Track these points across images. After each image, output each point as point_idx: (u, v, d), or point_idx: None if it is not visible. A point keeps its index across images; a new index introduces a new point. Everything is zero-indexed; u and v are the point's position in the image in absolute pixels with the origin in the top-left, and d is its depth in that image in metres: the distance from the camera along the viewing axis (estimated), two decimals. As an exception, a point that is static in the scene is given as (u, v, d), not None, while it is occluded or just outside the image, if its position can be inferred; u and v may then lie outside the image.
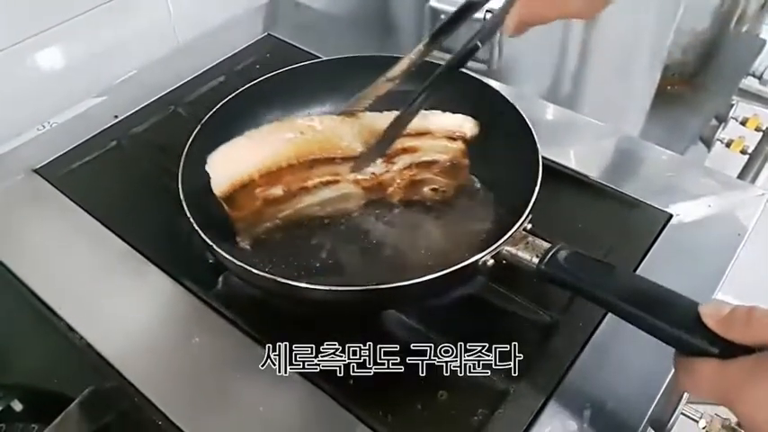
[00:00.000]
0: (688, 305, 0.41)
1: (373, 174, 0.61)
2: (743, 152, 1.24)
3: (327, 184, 0.60)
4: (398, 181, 0.62)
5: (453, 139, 0.62)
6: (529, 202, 0.54)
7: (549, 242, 0.50)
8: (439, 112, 0.63)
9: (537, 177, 0.56)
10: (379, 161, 0.61)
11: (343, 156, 0.61)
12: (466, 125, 0.63)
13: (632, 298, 0.43)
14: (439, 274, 0.49)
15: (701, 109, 1.16)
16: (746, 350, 0.37)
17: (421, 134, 0.62)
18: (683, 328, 0.40)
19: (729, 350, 0.38)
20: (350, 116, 0.64)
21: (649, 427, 0.58)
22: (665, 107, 1.12)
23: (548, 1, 0.47)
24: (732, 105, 1.26)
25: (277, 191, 0.59)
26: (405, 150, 0.61)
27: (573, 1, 0.46)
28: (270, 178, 0.59)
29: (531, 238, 0.51)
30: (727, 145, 1.24)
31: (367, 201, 0.63)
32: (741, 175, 1.20)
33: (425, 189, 0.63)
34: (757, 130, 1.25)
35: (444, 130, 0.62)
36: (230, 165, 0.59)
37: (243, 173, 0.58)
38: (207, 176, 0.62)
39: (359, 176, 0.61)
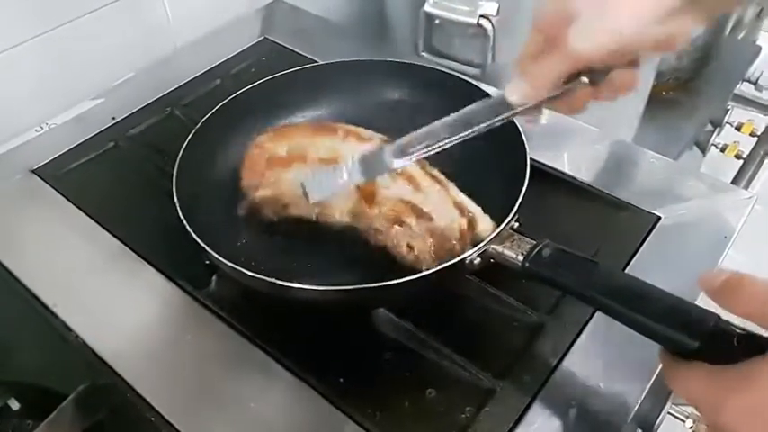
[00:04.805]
0: (670, 300, 0.42)
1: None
2: (737, 157, 1.24)
3: (327, 162, 0.61)
4: (386, 207, 0.58)
5: (462, 215, 0.58)
6: (516, 200, 0.54)
7: (534, 240, 0.51)
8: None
9: (524, 177, 0.56)
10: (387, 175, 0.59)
11: (345, 131, 0.64)
12: (482, 223, 0.57)
13: (615, 293, 0.44)
14: (426, 273, 0.50)
15: (695, 114, 1.16)
16: (729, 345, 0.37)
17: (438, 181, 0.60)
18: (665, 323, 0.40)
19: (711, 345, 0.38)
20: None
21: (637, 427, 0.59)
22: (661, 112, 1.12)
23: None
24: (727, 111, 1.26)
25: (282, 150, 0.65)
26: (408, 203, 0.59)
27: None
28: (278, 134, 0.67)
29: (516, 237, 0.51)
30: (722, 150, 1.25)
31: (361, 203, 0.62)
32: (735, 180, 1.20)
33: (402, 241, 0.57)
34: (752, 135, 1.25)
35: (462, 200, 0.59)
36: None
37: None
38: (201, 180, 0.63)
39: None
